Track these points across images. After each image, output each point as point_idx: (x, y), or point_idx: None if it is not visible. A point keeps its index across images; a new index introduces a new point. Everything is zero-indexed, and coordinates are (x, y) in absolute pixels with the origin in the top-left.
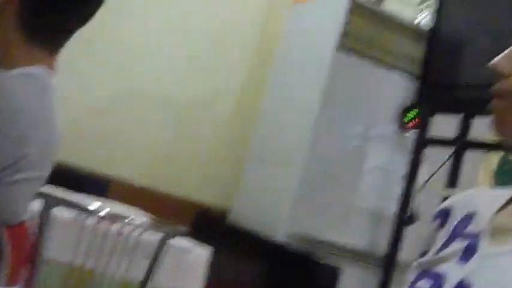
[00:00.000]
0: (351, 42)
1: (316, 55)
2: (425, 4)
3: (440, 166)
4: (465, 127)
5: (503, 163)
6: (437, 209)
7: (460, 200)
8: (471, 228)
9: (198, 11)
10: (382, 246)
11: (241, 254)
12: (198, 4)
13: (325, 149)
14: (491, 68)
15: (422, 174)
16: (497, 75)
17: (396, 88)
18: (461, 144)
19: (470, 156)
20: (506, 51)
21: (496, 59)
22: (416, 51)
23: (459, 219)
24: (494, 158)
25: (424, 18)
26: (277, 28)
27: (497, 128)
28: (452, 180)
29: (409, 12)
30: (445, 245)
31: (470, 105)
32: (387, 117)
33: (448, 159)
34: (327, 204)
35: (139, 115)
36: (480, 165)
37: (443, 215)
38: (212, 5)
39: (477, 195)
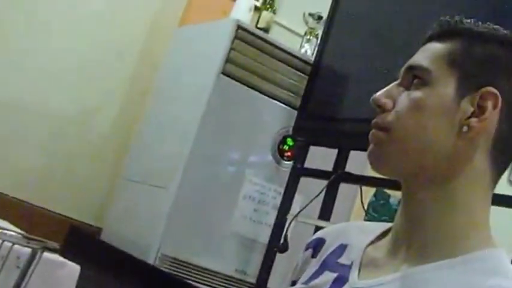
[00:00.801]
0: (234, 69)
1: (198, 79)
2: (310, 36)
3: (314, 197)
4: (341, 160)
5: (376, 197)
6: (309, 239)
7: (333, 232)
8: (342, 260)
9: (79, 27)
10: (253, 273)
11: (112, 274)
12: (78, 20)
13: (200, 173)
14: (373, 102)
15: (297, 204)
16: (378, 109)
17: (276, 117)
18: (336, 177)
19: (345, 189)
20: (387, 87)
21: (378, 93)
22: (299, 82)
23: (331, 250)
24: (368, 192)
25: (308, 50)
26: (161, 50)
27: (374, 161)
28: (326, 212)
29: (295, 43)
30: (315, 275)
31: (348, 139)
32: (265, 146)
33: (322, 191)
34: (200, 229)
35: (15, 127)
36: (355, 199)
37: (316, 246)
38: (93, 22)
39: (350, 228)
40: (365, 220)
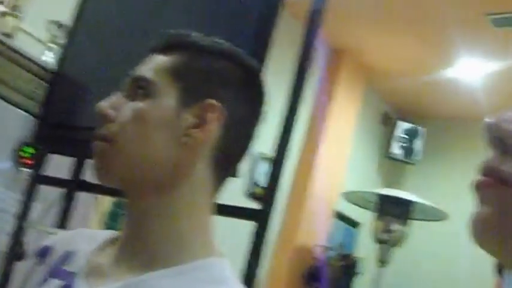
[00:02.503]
0: None
1: None
2: (53, 43)
3: (51, 206)
4: (78, 168)
5: (115, 206)
6: (38, 246)
7: (61, 239)
8: (68, 267)
9: None
10: None
11: None
12: None
13: None
14: (98, 111)
15: (35, 212)
16: (102, 119)
17: (16, 124)
18: (73, 185)
19: (83, 198)
20: (112, 97)
21: (102, 102)
22: (39, 89)
23: (58, 258)
24: (107, 201)
25: (50, 57)
26: None
27: (98, 171)
28: (63, 220)
29: (40, 50)
30: (41, 283)
31: (84, 148)
32: (5, 153)
33: (59, 199)
34: None
35: None
36: (92, 207)
37: (43, 253)
38: None
39: (79, 235)
40: (104, 229)
